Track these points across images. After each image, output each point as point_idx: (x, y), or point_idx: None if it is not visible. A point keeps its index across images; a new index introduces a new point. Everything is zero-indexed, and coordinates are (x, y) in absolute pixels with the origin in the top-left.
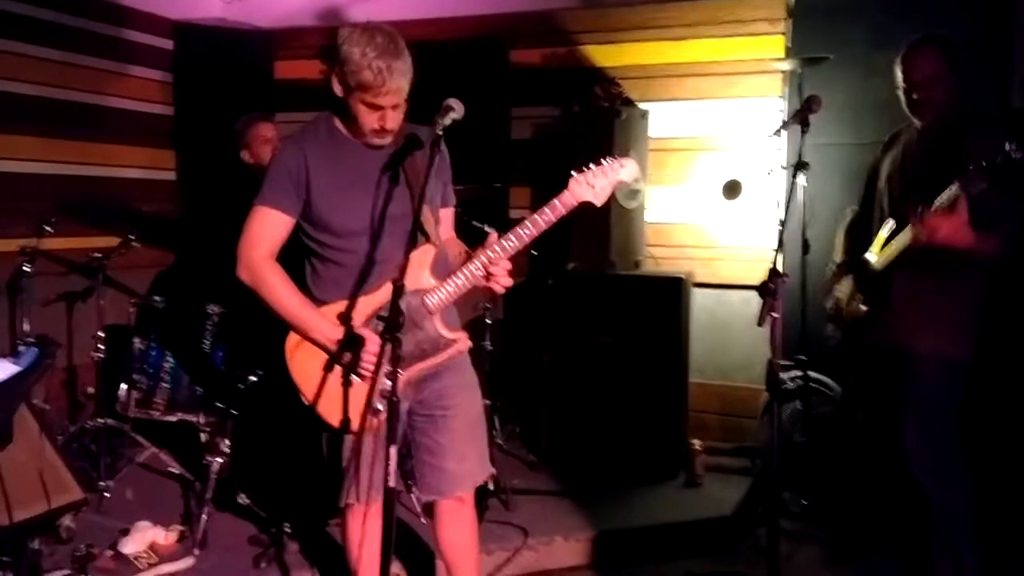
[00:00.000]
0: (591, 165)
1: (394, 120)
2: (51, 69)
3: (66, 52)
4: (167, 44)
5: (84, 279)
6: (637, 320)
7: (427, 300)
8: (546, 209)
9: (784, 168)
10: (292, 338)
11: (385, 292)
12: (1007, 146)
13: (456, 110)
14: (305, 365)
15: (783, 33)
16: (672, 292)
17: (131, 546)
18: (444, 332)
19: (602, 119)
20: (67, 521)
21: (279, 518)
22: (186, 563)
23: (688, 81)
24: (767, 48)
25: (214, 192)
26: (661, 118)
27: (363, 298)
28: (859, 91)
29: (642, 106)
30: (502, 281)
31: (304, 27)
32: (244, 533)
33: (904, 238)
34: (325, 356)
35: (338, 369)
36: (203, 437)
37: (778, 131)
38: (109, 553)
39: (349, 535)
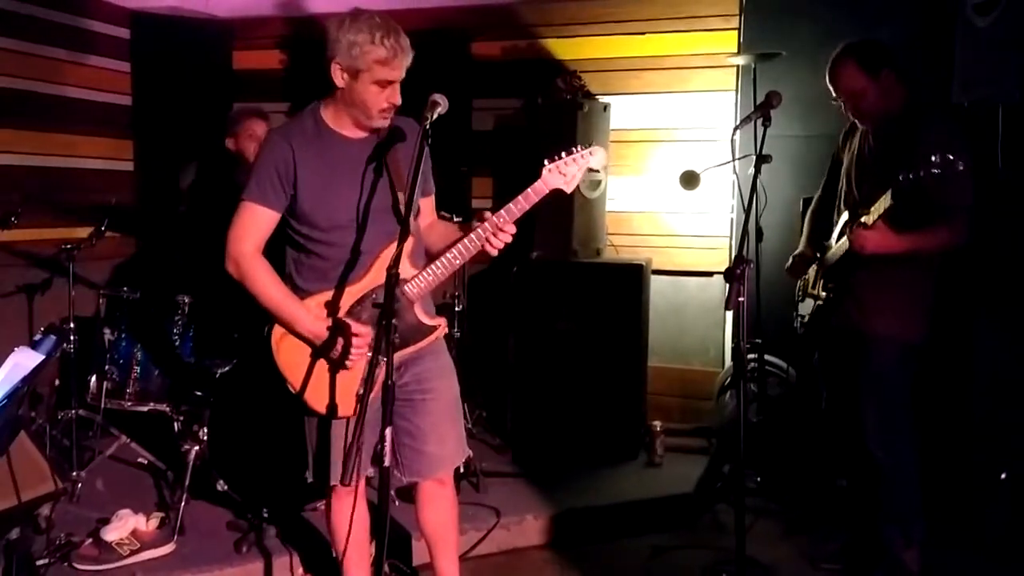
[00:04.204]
0: (562, 153)
1: (398, 95)
2: (8, 59)
3: (23, 42)
4: (124, 33)
5: (43, 270)
6: (599, 306)
7: (407, 289)
8: (520, 197)
9: (735, 160)
10: (278, 330)
11: (367, 283)
12: (934, 158)
13: (442, 105)
14: (291, 355)
15: (736, 29)
16: (633, 279)
17: (113, 533)
18: (424, 319)
19: (565, 111)
20: (45, 511)
21: (257, 503)
22: (168, 549)
23: (646, 75)
24: (720, 43)
25: (174, 182)
26: (620, 110)
27: (347, 289)
28: (808, 85)
29: (601, 99)
30: (500, 245)
31: (262, 17)
32: (221, 519)
33: (844, 245)
34: (310, 346)
35: (323, 358)
36: (176, 426)
37: (741, 125)
38: (90, 541)
39: (336, 517)
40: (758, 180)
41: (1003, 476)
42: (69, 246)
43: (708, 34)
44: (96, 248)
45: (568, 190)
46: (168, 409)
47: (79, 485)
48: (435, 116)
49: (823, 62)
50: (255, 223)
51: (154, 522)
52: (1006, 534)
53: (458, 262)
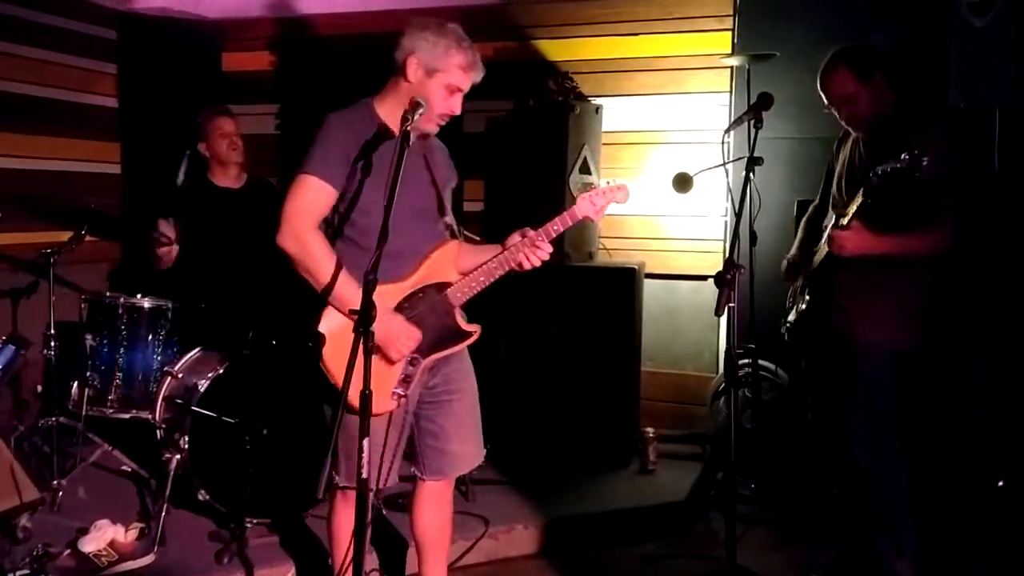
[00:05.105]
0: (594, 187)
1: (459, 107)
2: None
3: (9, 43)
4: (111, 35)
5: (27, 275)
6: (591, 310)
7: (449, 293)
8: (556, 220)
9: (727, 162)
10: (329, 330)
11: (415, 281)
12: (904, 156)
13: (423, 106)
14: (337, 353)
15: (730, 30)
16: (625, 283)
17: (91, 545)
18: (463, 325)
19: (556, 113)
20: (23, 521)
21: (239, 513)
22: (147, 560)
23: (639, 76)
24: (714, 44)
25: (161, 186)
26: (613, 112)
27: (395, 285)
28: (802, 87)
29: (594, 100)
30: (536, 262)
31: (252, 18)
32: (203, 529)
33: (825, 248)
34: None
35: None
36: (159, 434)
37: (732, 126)
38: (68, 552)
39: (341, 523)
40: (751, 183)
41: (1000, 484)
42: (49, 250)
43: (702, 35)
44: (79, 252)
45: (596, 220)
46: (150, 417)
47: (60, 494)
48: (416, 117)
49: (818, 63)
50: (317, 199)
51: (133, 533)
52: (1003, 543)
53: (498, 273)
